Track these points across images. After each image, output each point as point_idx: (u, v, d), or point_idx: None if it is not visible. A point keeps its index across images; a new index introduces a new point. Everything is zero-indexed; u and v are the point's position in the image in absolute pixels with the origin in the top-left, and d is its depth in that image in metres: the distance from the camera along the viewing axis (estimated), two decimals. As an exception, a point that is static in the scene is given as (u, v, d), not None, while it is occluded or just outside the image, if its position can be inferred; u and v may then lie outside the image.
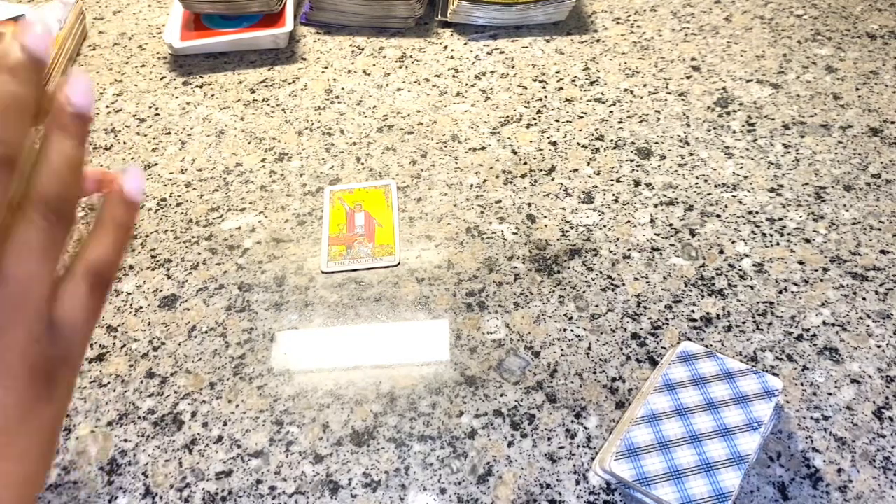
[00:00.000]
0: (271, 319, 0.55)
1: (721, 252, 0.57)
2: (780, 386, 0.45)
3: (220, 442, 0.48)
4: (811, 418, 0.46)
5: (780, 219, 0.59)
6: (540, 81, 0.75)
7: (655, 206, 0.61)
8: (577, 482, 0.44)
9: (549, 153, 0.66)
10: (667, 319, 0.53)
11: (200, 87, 0.78)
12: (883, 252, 0.56)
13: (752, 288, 0.54)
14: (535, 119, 0.70)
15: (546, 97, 0.72)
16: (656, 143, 0.66)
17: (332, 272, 0.58)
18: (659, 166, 0.64)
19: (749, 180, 0.62)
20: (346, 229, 0.61)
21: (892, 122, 0.66)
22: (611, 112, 0.70)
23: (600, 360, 0.51)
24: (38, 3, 0.86)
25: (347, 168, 0.67)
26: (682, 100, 0.71)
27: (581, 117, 0.70)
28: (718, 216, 0.60)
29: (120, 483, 0.47)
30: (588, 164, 0.65)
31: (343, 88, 0.76)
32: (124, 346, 0.55)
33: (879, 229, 0.57)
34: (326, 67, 0.79)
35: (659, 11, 0.83)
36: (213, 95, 0.77)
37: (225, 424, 0.49)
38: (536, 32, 0.81)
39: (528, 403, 0.49)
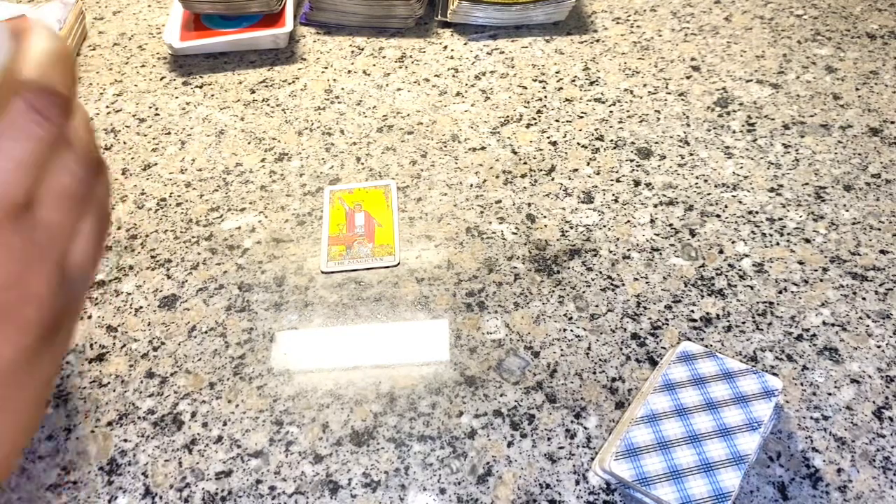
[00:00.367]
0: (271, 319, 0.55)
1: (721, 252, 0.57)
2: (779, 386, 0.45)
3: (220, 442, 0.48)
4: (811, 418, 0.46)
5: (780, 219, 0.59)
6: (540, 81, 0.75)
7: (655, 206, 0.61)
8: (577, 482, 0.44)
9: (549, 153, 0.66)
10: (667, 319, 0.53)
11: (200, 87, 0.78)
12: (883, 252, 0.56)
13: (751, 288, 0.54)
14: (534, 119, 0.70)
15: (546, 97, 0.72)
16: (656, 143, 0.66)
17: (332, 272, 0.58)
18: (659, 166, 0.64)
19: (749, 180, 0.62)
20: (346, 229, 0.61)
21: (892, 122, 0.66)
22: (611, 112, 0.70)
23: (600, 360, 0.51)
24: (38, 4, 0.86)
25: (347, 168, 0.67)
26: (682, 100, 0.71)
27: (581, 117, 0.70)
28: (718, 216, 0.60)
29: (120, 483, 0.47)
30: (588, 164, 0.65)
31: (343, 88, 0.76)
32: (124, 346, 0.55)
33: (879, 229, 0.57)
34: (326, 67, 0.79)
35: (659, 11, 0.83)
36: (213, 95, 0.77)
37: (225, 424, 0.49)
38: (536, 32, 0.81)
39: (528, 403, 0.49)
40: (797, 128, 0.67)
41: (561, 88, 0.73)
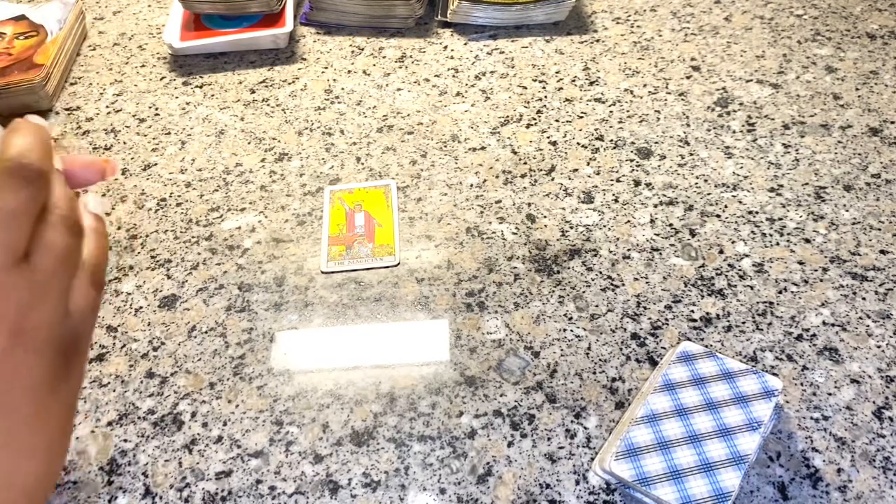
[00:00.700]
0: (271, 319, 0.55)
1: (721, 252, 0.57)
2: (779, 386, 0.45)
3: (220, 442, 0.48)
4: (811, 418, 0.46)
5: (780, 219, 0.59)
6: (540, 81, 0.75)
7: (655, 206, 0.61)
8: (577, 482, 0.44)
9: (549, 153, 0.66)
10: (667, 319, 0.53)
11: (200, 87, 0.78)
12: (883, 252, 0.56)
13: (751, 288, 0.54)
14: (534, 119, 0.70)
15: (546, 97, 0.72)
16: (656, 143, 0.66)
17: (332, 272, 0.58)
18: (659, 166, 0.64)
19: (749, 180, 0.62)
20: (346, 229, 0.61)
21: (892, 122, 0.66)
22: (611, 112, 0.70)
23: (600, 360, 0.51)
24: (38, 4, 0.86)
25: (347, 168, 0.67)
26: (682, 100, 0.71)
27: (581, 117, 0.70)
28: (718, 216, 0.60)
29: (120, 483, 0.47)
30: (588, 164, 0.65)
31: (343, 88, 0.76)
32: (124, 346, 0.55)
33: (879, 229, 0.57)
34: (326, 67, 0.79)
35: (659, 11, 0.83)
36: (213, 95, 0.77)
37: (225, 424, 0.49)
38: (536, 32, 0.81)
39: (528, 403, 0.49)
40: (797, 128, 0.67)
41: (561, 88, 0.73)
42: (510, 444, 0.47)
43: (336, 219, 0.62)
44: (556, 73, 0.75)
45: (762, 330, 0.52)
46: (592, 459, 0.45)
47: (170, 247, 0.62)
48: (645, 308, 0.53)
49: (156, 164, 0.69)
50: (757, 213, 0.60)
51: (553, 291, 0.55)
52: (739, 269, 0.55)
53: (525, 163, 0.66)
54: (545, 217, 0.61)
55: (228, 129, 0.73)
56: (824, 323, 0.52)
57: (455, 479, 0.45)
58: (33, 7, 0.85)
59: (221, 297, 0.57)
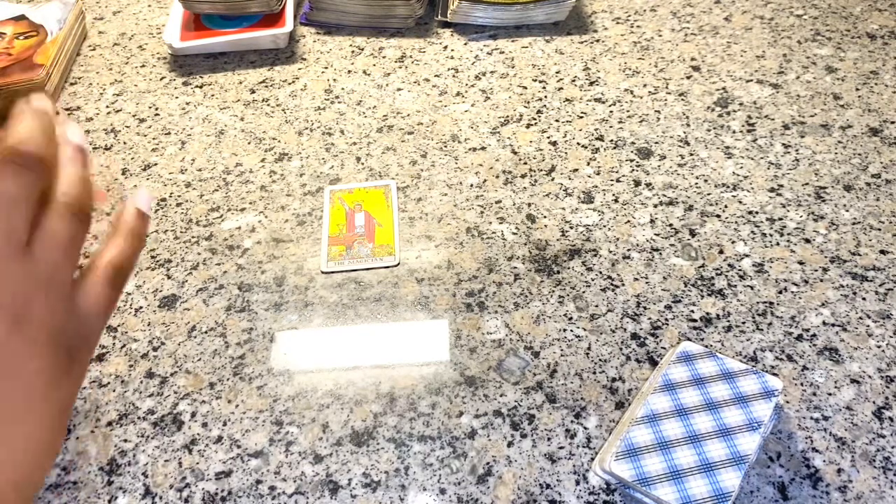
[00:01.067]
0: (271, 319, 0.55)
1: (721, 252, 0.57)
2: (779, 386, 0.45)
3: (220, 442, 0.48)
4: (811, 418, 0.46)
5: (780, 219, 0.59)
6: (540, 81, 0.75)
7: (655, 206, 0.61)
8: (577, 482, 0.44)
9: (549, 153, 0.66)
10: (666, 319, 0.53)
11: (200, 87, 0.78)
12: (883, 252, 0.56)
13: (751, 288, 0.54)
14: (535, 119, 0.70)
15: (546, 97, 0.72)
16: (656, 143, 0.66)
17: (332, 272, 0.58)
18: (659, 166, 0.64)
19: (749, 180, 0.62)
20: (346, 229, 0.61)
21: (892, 122, 0.66)
22: (611, 112, 0.70)
23: (600, 360, 0.51)
24: (38, 4, 0.86)
25: (347, 168, 0.67)
26: (682, 100, 0.71)
27: (581, 117, 0.70)
28: (718, 216, 0.60)
29: (120, 483, 0.47)
30: (588, 164, 0.65)
31: (343, 88, 0.76)
32: (124, 346, 0.55)
33: (879, 229, 0.57)
34: (326, 67, 0.79)
35: (659, 11, 0.83)
36: (213, 95, 0.77)
37: (225, 424, 0.49)
38: (536, 32, 0.81)
39: (528, 403, 0.49)
40: (797, 128, 0.67)
41: (561, 88, 0.73)
42: (510, 444, 0.47)
43: (336, 219, 0.62)
44: (556, 73, 0.75)
45: (762, 330, 0.52)
46: (592, 459, 0.45)
47: (170, 247, 0.62)
48: (645, 308, 0.53)
49: (156, 164, 0.69)
50: (757, 213, 0.60)
51: (553, 291, 0.55)
52: (739, 269, 0.55)
53: (525, 163, 0.66)
54: (545, 217, 0.61)
55: (228, 129, 0.73)
56: (824, 323, 0.52)
57: (455, 479, 0.45)
58: (33, 7, 0.85)
59: (221, 297, 0.57)
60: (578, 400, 0.49)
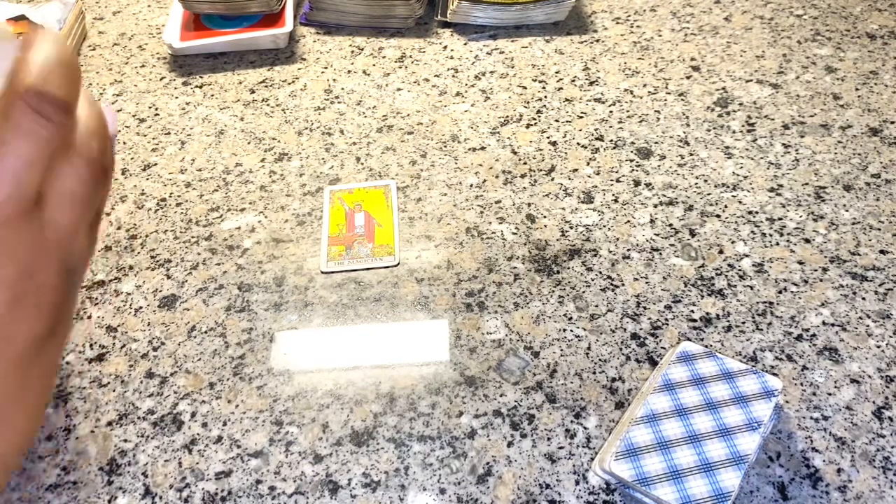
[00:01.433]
0: (271, 319, 0.55)
1: (721, 252, 0.57)
2: (779, 386, 0.45)
3: (220, 442, 0.48)
4: (811, 418, 0.46)
5: (780, 219, 0.59)
6: (540, 81, 0.75)
7: (655, 206, 0.61)
8: (577, 482, 0.44)
9: (549, 153, 0.66)
10: (666, 319, 0.53)
11: (200, 87, 0.78)
12: (882, 252, 0.56)
13: (751, 288, 0.54)
14: (534, 119, 0.70)
15: (546, 97, 0.72)
16: (656, 143, 0.66)
17: (332, 272, 0.58)
18: (659, 166, 0.64)
19: (749, 180, 0.62)
20: (346, 229, 0.61)
21: (892, 122, 0.66)
22: (610, 112, 0.70)
23: (600, 360, 0.51)
24: (38, 4, 0.86)
25: (347, 168, 0.67)
26: (682, 100, 0.71)
27: (581, 117, 0.70)
28: (718, 216, 0.60)
29: (120, 483, 0.47)
30: (588, 164, 0.65)
31: (343, 88, 0.76)
32: (124, 346, 0.55)
33: (879, 229, 0.57)
34: (326, 67, 0.79)
35: (659, 11, 0.83)
36: (212, 95, 0.77)
37: (224, 424, 0.49)
38: (536, 32, 0.81)
39: (528, 403, 0.49)
40: (797, 128, 0.67)
41: (561, 88, 0.73)
42: (510, 444, 0.47)
43: (336, 219, 0.62)
44: (556, 73, 0.75)
45: (762, 330, 0.52)
46: (592, 459, 0.45)
47: (170, 247, 0.62)
48: (645, 308, 0.53)
49: (156, 164, 0.69)
50: (757, 213, 0.60)
51: (553, 291, 0.55)
52: (739, 269, 0.55)
53: (525, 163, 0.66)
54: (545, 217, 0.61)
55: (228, 129, 0.73)
56: (824, 323, 0.52)
57: (455, 479, 0.45)
58: (33, 7, 0.85)
59: (221, 297, 0.57)
60: (578, 400, 0.49)
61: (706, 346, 0.51)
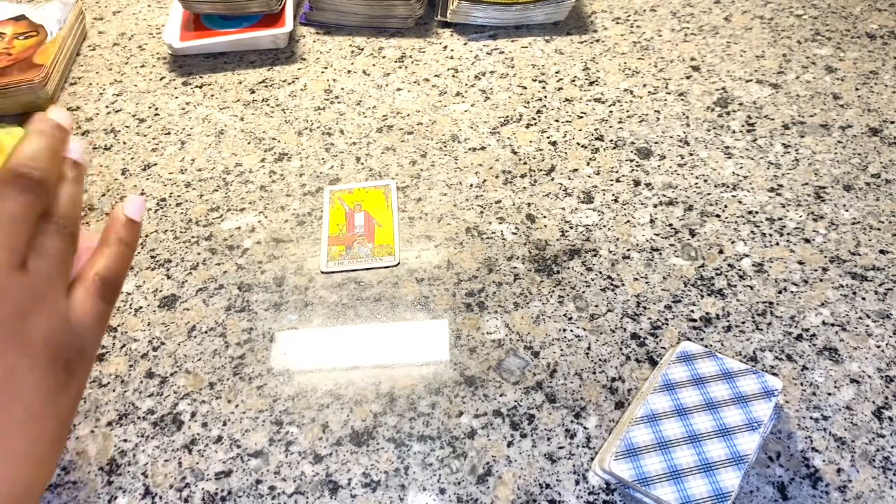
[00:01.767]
0: (271, 319, 0.55)
1: (721, 252, 0.57)
2: (779, 386, 0.45)
3: (220, 442, 0.48)
4: (811, 418, 0.46)
5: (780, 219, 0.59)
6: (540, 81, 0.75)
7: (655, 206, 0.61)
8: (577, 482, 0.44)
9: (549, 153, 0.66)
10: (666, 319, 0.53)
11: (200, 87, 0.78)
12: (882, 252, 0.56)
13: (751, 288, 0.54)
14: (534, 119, 0.70)
15: (546, 97, 0.72)
16: (656, 143, 0.66)
17: (332, 272, 0.58)
18: (659, 166, 0.64)
19: (749, 180, 0.62)
20: (346, 229, 0.61)
21: (892, 122, 0.66)
22: (610, 112, 0.70)
23: (600, 360, 0.51)
24: (38, 4, 0.86)
25: (347, 168, 0.67)
26: (682, 100, 0.71)
27: (581, 117, 0.70)
28: (718, 216, 0.60)
29: (119, 483, 0.47)
30: (588, 164, 0.65)
31: (343, 88, 0.76)
32: (124, 346, 0.55)
33: (879, 229, 0.57)
34: (326, 67, 0.79)
35: (659, 11, 0.83)
36: (212, 95, 0.77)
37: (224, 424, 0.49)
38: (536, 32, 0.81)
39: (528, 403, 0.49)
40: (797, 128, 0.67)
41: (561, 88, 0.73)
42: (510, 444, 0.47)
43: (336, 219, 0.62)
44: (556, 73, 0.75)
45: (762, 330, 0.52)
46: (592, 459, 0.45)
47: (169, 247, 0.62)
48: (645, 308, 0.53)
49: (155, 164, 0.69)
50: (757, 213, 0.60)
51: (553, 291, 0.55)
52: (739, 269, 0.55)
53: (525, 163, 0.66)
54: (545, 217, 0.61)
55: (228, 129, 0.73)
56: (824, 323, 0.52)
57: (455, 479, 0.45)
58: (33, 7, 0.85)
59: (221, 297, 0.57)
60: (578, 400, 0.49)
61: (706, 346, 0.51)
